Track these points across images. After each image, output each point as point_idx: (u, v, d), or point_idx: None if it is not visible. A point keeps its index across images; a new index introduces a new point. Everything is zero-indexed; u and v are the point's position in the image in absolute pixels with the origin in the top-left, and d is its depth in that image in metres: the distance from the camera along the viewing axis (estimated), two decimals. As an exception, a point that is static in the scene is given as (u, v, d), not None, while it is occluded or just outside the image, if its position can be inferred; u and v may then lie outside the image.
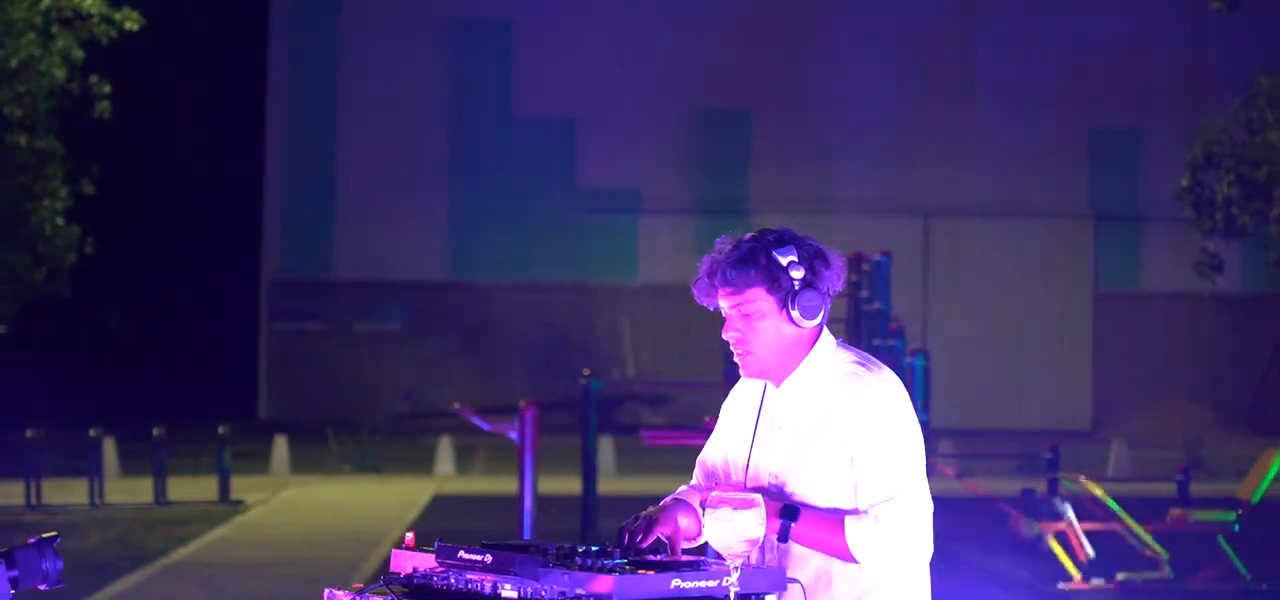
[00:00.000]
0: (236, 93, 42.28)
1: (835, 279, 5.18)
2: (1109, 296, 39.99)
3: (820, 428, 5.17)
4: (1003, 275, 39.50)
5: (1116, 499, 16.71)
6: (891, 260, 20.72)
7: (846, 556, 5.11)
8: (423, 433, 32.42)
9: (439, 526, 18.59)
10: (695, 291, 5.25)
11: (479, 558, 5.10)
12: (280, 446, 28.09)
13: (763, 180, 39.74)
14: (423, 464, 28.98)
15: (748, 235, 5.22)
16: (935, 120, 39.71)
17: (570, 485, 21.09)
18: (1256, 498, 16.32)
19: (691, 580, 4.87)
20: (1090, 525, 16.34)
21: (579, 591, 4.85)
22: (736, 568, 4.87)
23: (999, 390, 38.71)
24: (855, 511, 5.10)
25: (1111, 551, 16.31)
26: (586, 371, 20.92)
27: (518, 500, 17.83)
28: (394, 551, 5.39)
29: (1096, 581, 15.97)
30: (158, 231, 43.10)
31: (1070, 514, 16.22)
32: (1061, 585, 15.94)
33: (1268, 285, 38.72)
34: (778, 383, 5.25)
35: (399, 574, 5.31)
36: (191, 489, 23.82)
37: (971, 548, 17.38)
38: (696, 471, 5.51)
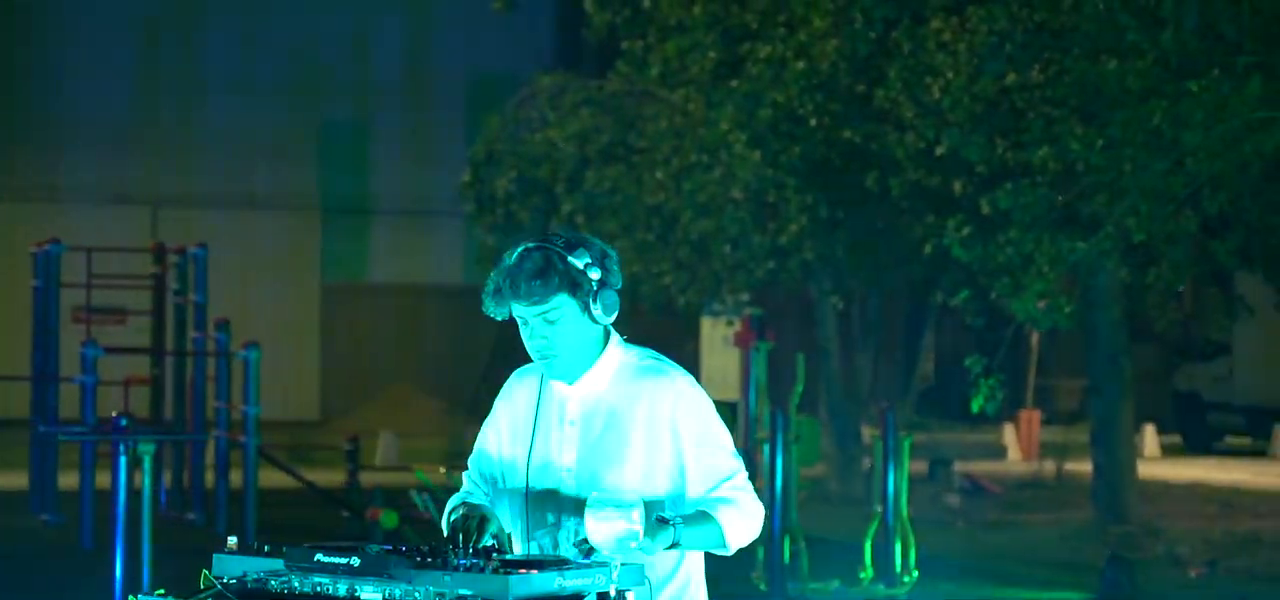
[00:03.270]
0: None
1: (619, 275, 5.34)
2: (337, 289, 40.48)
3: (628, 420, 5.30)
4: (230, 266, 39.33)
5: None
6: (208, 252, 20.47)
7: (721, 548, 5.29)
8: None
9: None
10: (487, 302, 5.27)
11: (343, 561, 5.00)
12: None
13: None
14: None
15: (533, 243, 5.28)
16: (163, 110, 39.27)
17: None
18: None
19: (573, 578, 4.94)
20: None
21: (464, 592, 4.83)
22: (616, 565, 4.97)
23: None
24: (714, 502, 5.27)
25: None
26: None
27: None
28: (216, 554, 5.20)
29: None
30: None
31: (427, 502, 16.52)
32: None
33: (484, 277, 40.07)
34: (571, 380, 5.34)
35: (227, 579, 5.12)
36: None
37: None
38: (470, 469, 5.55)
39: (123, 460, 12.29)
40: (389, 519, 16.32)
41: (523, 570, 4.85)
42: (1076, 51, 16.83)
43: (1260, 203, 17.73)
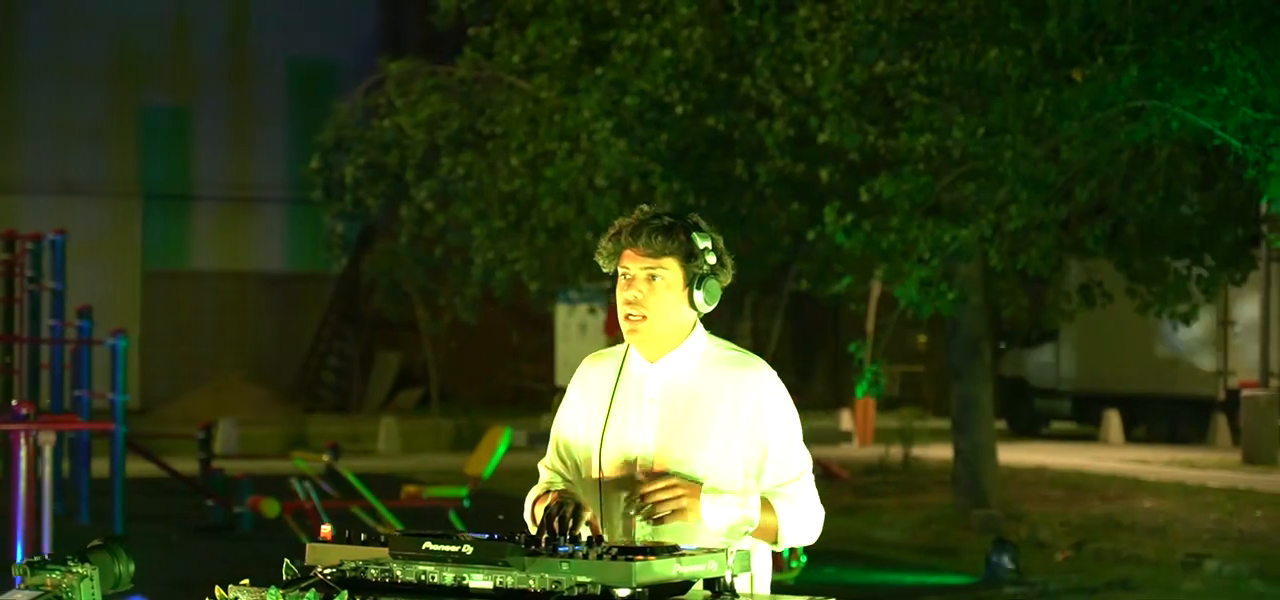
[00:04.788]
0: None
1: (727, 282, 5.32)
2: (158, 275, 39.89)
3: (710, 406, 5.27)
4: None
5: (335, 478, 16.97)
6: (67, 239, 20.03)
7: (776, 542, 5.27)
8: None
9: None
10: (602, 250, 5.24)
11: (454, 548, 4.90)
12: None
13: None
14: None
15: (667, 210, 5.27)
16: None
17: None
18: (487, 473, 16.95)
19: (689, 565, 4.88)
20: (331, 503, 16.52)
21: (583, 580, 4.75)
22: (733, 551, 4.92)
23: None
24: (776, 495, 5.26)
25: (353, 529, 16.52)
26: None
27: None
28: (309, 545, 5.08)
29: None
30: None
31: (310, 491, 16.34)
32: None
33: (310, 264, 39.77)
34: (654, 358, 5.30)
35: (324, 571, 5.00)
36: None
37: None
38: (550, 451, 5.49)
39: (21, 451, 12.00)
40: (271, 508, 16.11)
41: (640, 557, 4.78)
42: (949, 40, 16.99)
43: (1127, 192, 18.04)
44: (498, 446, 16.95)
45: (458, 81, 24.04)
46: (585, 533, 5.15)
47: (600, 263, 5.32)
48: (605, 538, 5.32)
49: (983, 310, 20.40)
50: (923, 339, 41.11)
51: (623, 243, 5.21)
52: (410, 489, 17.00)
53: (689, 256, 5.19)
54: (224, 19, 40.15)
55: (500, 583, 4.83)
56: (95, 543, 4.22)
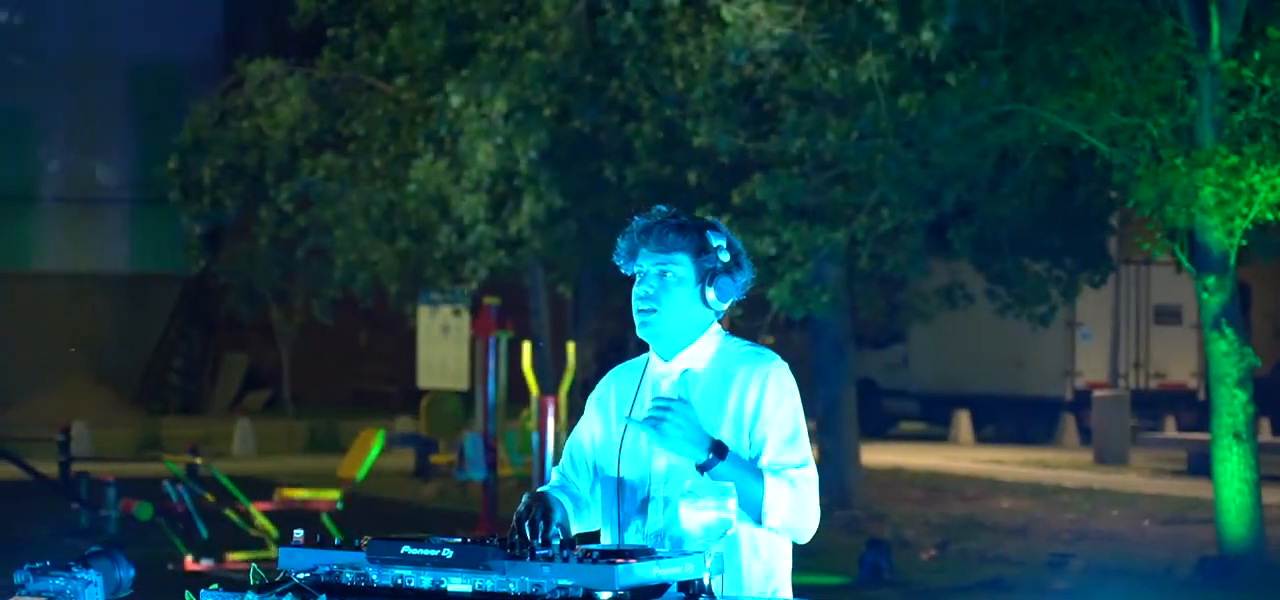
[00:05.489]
0: None
1: (746, 282, 5.35)
2: (4, 277, 39.30)
3: (720, 399, 5.31)
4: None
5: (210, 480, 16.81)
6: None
7: (757, 512, 5.26)
8: None
9: None
10: (620, 248, 5.29)
11: (433, 553, 4.88)
12: None
13: None
14: None
15: (681, 211, 5.37)
16: None
17: None
18: (361, 476, 16.87)
19: (666, 567, 4.90)
20: (204, 506, 16.36)
21: (563, 582, 4.76)
22: (710, 554, 4.94)
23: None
24: (770, 470, 5.27)
25: (224, 531, 16.41)
26: None
27: None
28: (282, 548, 5.04)
29: (206, 562, 16.01)
30: None
31: (183, 494, 16.17)
32: (172, 566, 15.85)
33: (155, 266, 39.37)
34: (667, 356, 5.34)
35: (298, 574, 4.97)
36: None
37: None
38: (564, 459, 5.52)
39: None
40: (144, 511, 15.90)
41: (620, 559, 4.79)
42: (822, 45, 17.13)
43: (994, 195, 18.29)
44: (371, 449, 16.88)
45: (317, 83, 23.91)
46: (557, 534, 5.16)
47: (619, 262, 5.35)
48: (605, 538, 5.35)
49: (847, 313, 20.59)
50: (770, 340, 41.33)
51: (637, 242, 5.26)
52: (284, 491, 16.86)
53: (700, 253, 5.25)
54: (67, 19, 39.60)
55: (479, 587, 4.82)
56: (94, 549, 4.18)
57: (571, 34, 20.13)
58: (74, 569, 4.00)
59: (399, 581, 4.91)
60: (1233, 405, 15.88)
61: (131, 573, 4.18)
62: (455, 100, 20.34)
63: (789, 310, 17.08)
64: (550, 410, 15.25)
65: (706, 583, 4.92)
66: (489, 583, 4.81)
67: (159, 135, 30.12)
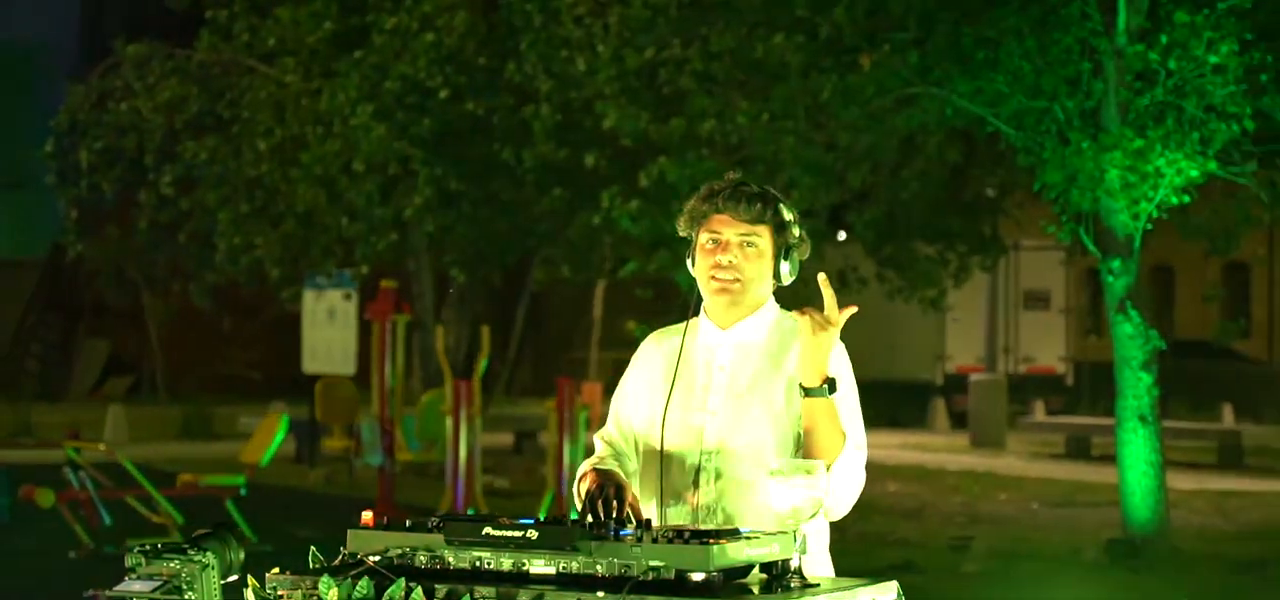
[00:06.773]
0: None
1: (807, 249, 5.30)
2: None
3: (776, 368, 5.24)
4: None
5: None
6: None
7: (822, 478, 5.19)
8: None
9: None
10: (684, 215, 5.20)
11: (517, 533, 4.75)
12: None
13: None
14: None
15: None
16: None
17: None
18: (264, 461, 16.60)
19: (758, 548, 4.79)
20: (107, 493, 16.04)
21: (655, 564, 4.64)
22: (796, 534, 4.85)
23: None
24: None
25: (125, 517, 16.10)
26: None
27: None
28: (350, 531, 4.88)
29: (109, 549, 15.68)
30: None
31: (86, 481, 15.85)
32: (73, 554, 15.50)
33: (11, 251, 38.71)
34: (727, 324, 5.26)
35: (365, 556, 4.81)
36: None
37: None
38: (609, 423, 5.42)
39: None
40: (45, 497, 15.56)
41: (712, 541, 4.68)
42: (722, 26, 17.08)
43: (895, 178, 18.33)
44: (275, 434, 16.62)
45: (196, 65, 23.56)
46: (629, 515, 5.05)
47: (681, 226, 5.24)
48: (655, 519, 5.24)
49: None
50: (633, 326, 41.29)
51: (718, 206, 5.16)
52: (186, 477, 16.56)
53: (779, 227, 5.18)
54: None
55: (564, 567, 4.70)
56: (204, 531, 4.01)
57: (466, 16, 19.96)
58: (190, 551, 3.84)
59: (478, 564, 4.77)
60: (1138, 388, 16.00)
61: (242, 555, 4.02)
62: (347, 82, 20.11)
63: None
64: (463, 394, 15.06)
65: (798, 564, 4.84)
66: (574, 564, 4.68)
67: (13, 119, 29.61)
